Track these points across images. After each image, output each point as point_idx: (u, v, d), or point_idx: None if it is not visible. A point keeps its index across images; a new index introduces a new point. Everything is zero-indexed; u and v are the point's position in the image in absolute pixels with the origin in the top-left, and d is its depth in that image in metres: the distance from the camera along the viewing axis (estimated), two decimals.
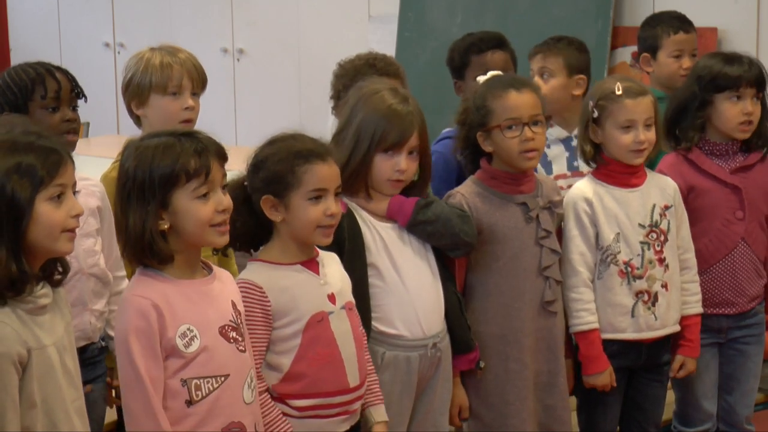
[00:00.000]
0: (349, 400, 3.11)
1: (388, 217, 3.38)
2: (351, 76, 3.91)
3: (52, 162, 2.56)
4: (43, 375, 2.56)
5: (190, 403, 2.77)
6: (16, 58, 8.92)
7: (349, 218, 3.31)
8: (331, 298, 3.11)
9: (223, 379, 2.81)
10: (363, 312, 3.26)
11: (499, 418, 3.56)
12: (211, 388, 2.80)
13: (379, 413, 3.19)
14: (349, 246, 3.29)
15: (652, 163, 3.87)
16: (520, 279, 3.56)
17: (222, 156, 2.83)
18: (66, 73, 3.53)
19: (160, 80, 3.60)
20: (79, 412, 2.67)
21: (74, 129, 3.48)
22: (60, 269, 2.66)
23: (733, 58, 3.87)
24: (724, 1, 5.92)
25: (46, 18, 8.92)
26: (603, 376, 3.68)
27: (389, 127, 3.31)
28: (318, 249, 3.17)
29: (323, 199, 3.05)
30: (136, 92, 3.63)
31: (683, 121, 3.88)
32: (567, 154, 4.35)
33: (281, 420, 3.03)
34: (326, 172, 3.06)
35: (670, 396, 4.06)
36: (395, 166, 3.32)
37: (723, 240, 3.88)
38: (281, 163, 3.05)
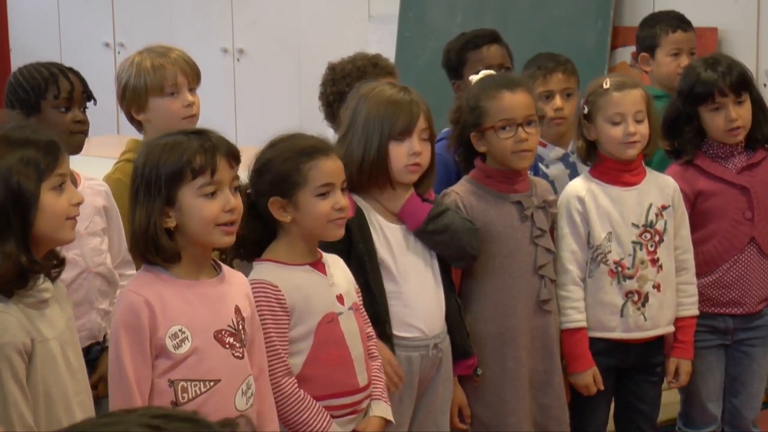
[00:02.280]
0: (358, 400, 3.13)
1: (400, 217, 3.38)
2: (349, 81, 3.91)
3: (51, 153, 2.60)
4: (45, 367, 2.58)
5: (175, 404, 2.77)
6: (16, 58, 8.91)
7: (358, 219, 3.31)
8: (340, 298, 3.12)
9: (212, 383, 2.80)
10: (381, 313, 3.28)
11: (496, 417, 3.56)
12: (198, 392, 2.79)
13: (378, 408, 3.18)
14: (361, 248, 3.30)
15: (650, 161, 3.87)
16: (516, 278, 3.57)
17: (233, 156, 2.83)
18: (78, 74, 3.55)
19: (155, 82, 3.60)
20: (83, 406, 2.67)
21: (84, 130, 3.50)
22: (56, 263, 2.67)
23: (708, 65, 3.84)
24: (724, 1, 5.91)
25: (46, 18, 8.92)
26: (585, 375, 3.67)
27: (395, 115, 3.32)
28: (321, 251, 3.17)
29: (331, 193, 3.06)
30: (134, 98, 3.63)
31: (678, 136, 3.89)
32: (568, 171, 4.35)
33: (323, 414, 3.03)
34: (331, 167, 3.07)
35: (674, 396, 4.06)
36: (410, 150, 3.33)
37: (732, 241, 3.88)
38: (286, 162, 3.06)
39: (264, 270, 3.08)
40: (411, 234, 3.40)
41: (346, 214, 3.10)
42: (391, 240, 3.37)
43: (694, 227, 3.87)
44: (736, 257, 3.89)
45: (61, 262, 2.70)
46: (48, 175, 2.58)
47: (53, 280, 2.67)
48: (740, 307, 3.91)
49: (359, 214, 3.33)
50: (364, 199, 3.37)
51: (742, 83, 3.83)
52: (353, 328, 3.14)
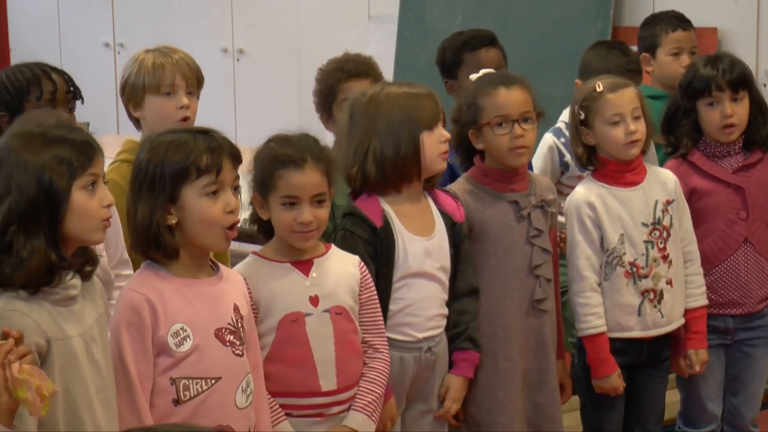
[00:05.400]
0: (323, 403, 3.11)
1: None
2: (321, 85, 3.97)
3: (85, 152, 2.61)
4: (65, 365, 2.59)
5: (177, 402, 2.78)
6: (16, 58, 8.90)
7: (385, 229, 3.34)
8: (314, 300, 3.11)
9: (213, 381, 2.81)
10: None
11: (488, 416, 3.56)
12: (200, 390, 2.80)
13: (353, 419, 3.14)
14: (384, 258, 3.33)
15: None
16: (511, 277, 3.57)
17: (235, 157, 2.86)
18: (63, 74, 3.55)
19: (152, 81, 3.61)
20: (105, 403, 2.68)
21: None
22: (89, 260, 2.68)
23: (710, 62, 3.86)
24: (724, 1, 5.91)
25: (46, 18, 8.92)
26: (612, 378, 3.67)
27: (421, 106, 3.36)
28: (333, 248, 3.18)
29: (296, 206, 3.06)
30: (132, 94, 3.65)
31: (675, 129, 3.89)
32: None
33: (274, 409, 3.05)
34: (300, 180, 3.06)
35: (675, 396, 4.06)
36: (441, 138, 3.38)
37: (726, 241, 3.88)
38: (261, 165, 3.10)
39: (244, 264, 3.12)
40: (434, 246, 3.41)
41: (313, 228, 3.08)
42: (409, 251, 3.37)
43: None
44: (731, 258, 3.89)
45: (95, 260, 2.70)
46: (80, 174, 2.59)
47: (87, 277, 2.68)
48: (740, 308, 3.91)
49: (387, 225, 3.35)
50: (392, 203, 3.37)
51: (740, 81, 3.83)
52: (324, 331, 3.11)
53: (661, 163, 4.07)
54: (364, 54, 4.15)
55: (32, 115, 3.30)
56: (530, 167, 4.03)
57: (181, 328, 2.79)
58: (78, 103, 3.57)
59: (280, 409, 3.06)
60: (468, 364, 3.50)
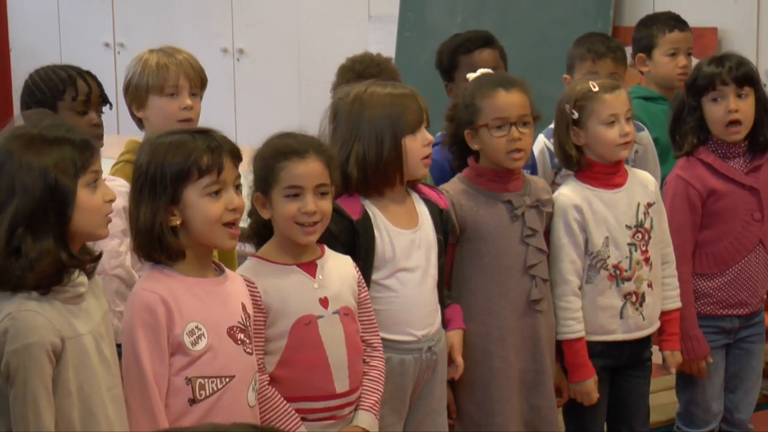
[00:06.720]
0: (336, 405, 3.10)
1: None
2: (347, 78, 3.96)
3: (86, 151, 2.64)
4: (78, 363, 2.61)
5: (193, 401, 2.78)
6: (16, 58, 8.92)
7: (364, 223, 3.32)
8: (324, 302, 3.10)
9: (227, 379, 2.82)
10: None
11: (485, 416, 3.56)
12: (216, 388, 2.80)
13: (363, 418, 3.15)
14: (362, 252, 3.31)
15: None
16: (505, 277, 3.56)
17: (236, 156, 2.86)
18: (95, 78, 3.59)
19: (156, 81, 3.61)
20: (116, 399, 2.70)
21: (99, 134, 3.54)
22: (91, 258, 2.70)
23: (715, 60, 3.86)
24: (724, 1, 5.91)
25: (46, 18, 8.92)
26: (588, 383, 3.65)
27: (405, 109, 3.34)
28: (327, 250, 3.17)
29: (300, 197, 3.05)
30: (135, 94, 3.65)
31: (681, 128, 3.89)
32: None
33: (290, 415, 3.03)
34: (303, 170, 3.06)
35: (671, 396, 4.06)
36: (424, 141, 3.36)
37: (742, 242, 3.88)
38: (264, 161, 3.10)
39: (248, 266, 3.10)
40: (419, 237, 3.39)
41: (318, 219, 3.07)
42: (395, 245, 3.35)
43: (703, 227, 3.87)
44: (746, 259, 3.89)
45: (97, 257, 2.72)
46: (83, 172, 2.62)
47: (90, 275, 2.69)
48: (747, 308, 3.92)
49: (365, 218, 3.33)
50: (375, 202, 3.36)
51: (746, 77, 3.82)
52: (336, 332, 3.11)
53: (663, 165, 4.07)
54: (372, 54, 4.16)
55: (30, 114, 3.32)
56: (534, 170, 4.03)
57: (196, 327, 2.80)
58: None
59: (295, 414, 3.04)
60: (457, 316, 3.50)
